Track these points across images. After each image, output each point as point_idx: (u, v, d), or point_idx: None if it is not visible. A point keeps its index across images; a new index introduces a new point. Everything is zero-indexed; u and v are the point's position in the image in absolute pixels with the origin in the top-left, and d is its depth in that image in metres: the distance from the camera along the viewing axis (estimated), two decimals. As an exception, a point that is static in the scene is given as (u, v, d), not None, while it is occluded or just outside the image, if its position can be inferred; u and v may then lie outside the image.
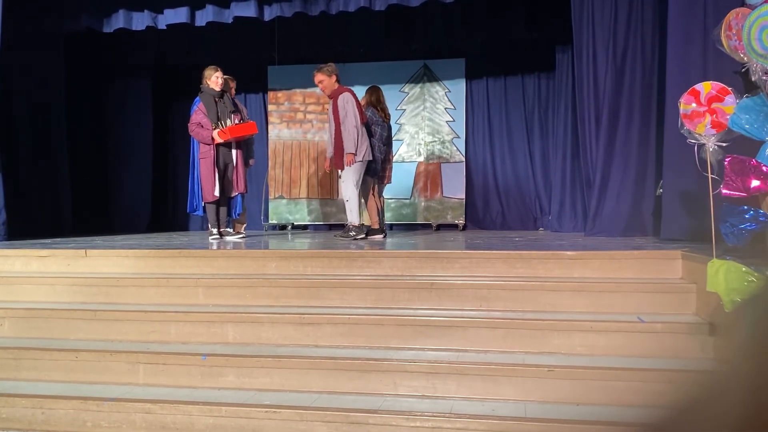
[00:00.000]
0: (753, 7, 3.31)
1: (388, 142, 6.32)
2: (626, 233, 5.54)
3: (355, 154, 5.70)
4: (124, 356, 3.50)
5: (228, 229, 6.23)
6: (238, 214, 6.47)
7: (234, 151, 6.05)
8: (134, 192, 8.76)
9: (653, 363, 3.04)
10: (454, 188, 8.38)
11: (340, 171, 6.00)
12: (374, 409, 2.96)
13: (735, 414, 0.37)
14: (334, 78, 5.86)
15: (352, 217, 5.87)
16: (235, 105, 6.21)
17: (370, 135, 6.02)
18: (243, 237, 6.23)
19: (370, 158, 5.84)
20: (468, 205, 8.41)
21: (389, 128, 6.39)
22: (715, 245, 3.25)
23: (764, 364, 0.38)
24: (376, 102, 6.25)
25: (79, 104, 8.20)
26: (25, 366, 3.58)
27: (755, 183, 3.18)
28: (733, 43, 3.45)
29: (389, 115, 6.39)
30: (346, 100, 5.73)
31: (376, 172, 6.17)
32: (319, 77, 5.89)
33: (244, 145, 6.24)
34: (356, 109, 5.72)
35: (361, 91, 6.39)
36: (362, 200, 6.16)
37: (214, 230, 6.02)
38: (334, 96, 5.83)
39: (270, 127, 8.83)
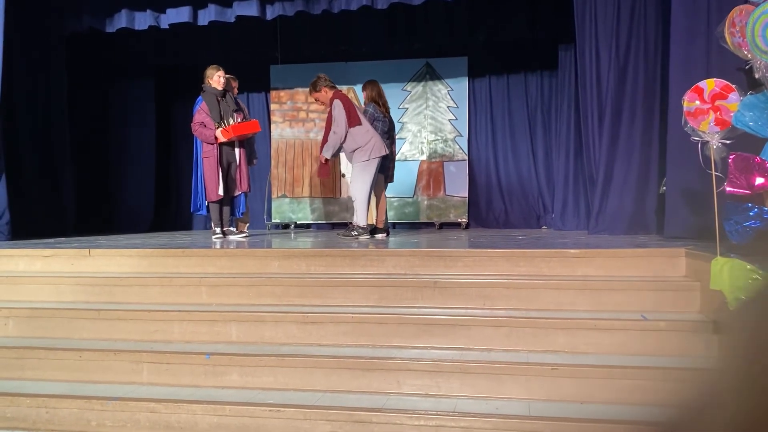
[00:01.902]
0: (756, 4, 3.30)
1: (389, 137, 6.27)
2: (629, 231, 5.53)
3: (328, 159, 5.76)
4: (127, 356, 3.50)
5: (231, 228, 6.24)
6: (242, 213, 6.46)
7: (237, 150, 6.05)
8: (137, 191, 8.77)
9: (657, 361, 3.03)
10: (457, 187, 8.37)
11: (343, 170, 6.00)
12: (378, 408, 2.96)
13: (737, 413, 0.37)
14: (324, 89, 5.86)
15: (358, 217, 5.77)
16: (237, 104, 6.21)
17: None
18: (246, 236, 6.24)
19: (380, 155, 5.72)
20: (471, 203, 8.40)
21: (391, 123, 6.36)
22: (719, 243, 3.25)
23: (766, 362, 0.37)
24: (377, 97, 6.21)
25: (82, 104, 8.21)
26: (30, 365, 3.58)
27: (759, 180, 3.17)
28: (737, 40, 3.44)
29: (389, 108, 6.37)
30: (334, 106, 5.73)
31: (386, 168, 6.14)
32: (313, 96, 6.02)
33: (247, 144, 6.25)
34: (343, 113, 5.65)
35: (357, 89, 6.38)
36: (372, 197, 6.12)
37: (218, 229, 6.03)
38: (329, 105, 5.84)
39: (273, 126, 8.83)
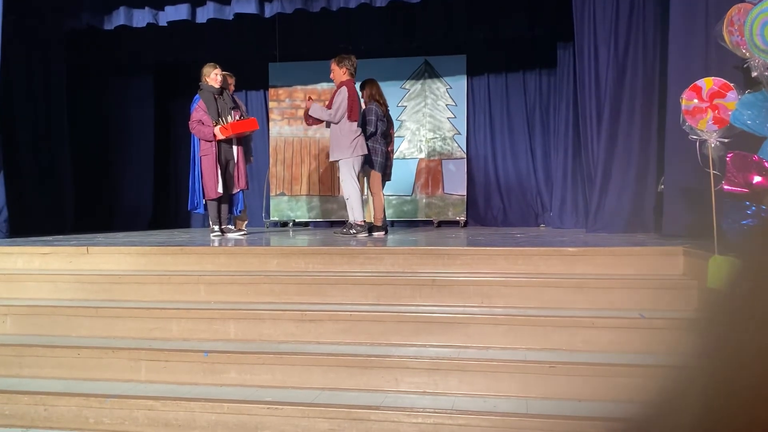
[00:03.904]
0: (755, 3, 3.30)
1: (388, 136, 6.27)
2: (628, 230, 5.53)
3: (311, 115, 5.89)
4: (126, 353, 3.50)
5: (229, 226, 6.24)
6: (240, 211, 6.47)
7: (235, 148, 6.05)
8: (136, 189, 8.76)
9: (654, 359, 3.04)
10: (456, 185, 8.37)
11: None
12: (376, 406, 2.97)
13: (703, 412, 0.37)
14: (343, 69, 5.86)
15: (355, 214, 5.80)
16: (234, 101, 6.21)
17: (371, 130, 6.01)
18: (244, 234, 6.24)
19: (363, 153, 5.79)
20: (469, 201, 8.40)
21: (389, 121, 6.36)
22: (717, 241, 3.25)
23: (727, 361, 0.38)
24: (377, 95, 6.21)
25: (81, 102, 8.20)
26: (27, 363, 3.58)
27: (757, 179, 3.18)
28: (735, 39, 3.44)
29: (388, 107, 6.36)
30: (339, 92, 5.76)
31: (384, 167, 6.14)
32: (332, 66, 5.97)
33: (244, 141, 6.25)
34: (346, 102, 5.67)
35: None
36: (370, 195, 6.15)
37: (216, 227, 6.03)
38: (336, 86, 5.88)
39: (271, 124, 8.83)
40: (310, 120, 6.03)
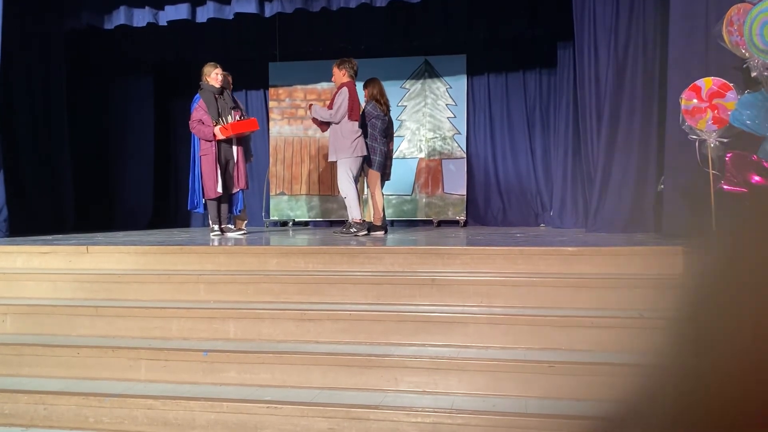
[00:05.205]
0: (754, 3, 3.30)
1: (387, 135, 6.28)
2: (627, 229, 5.53)
3: (314, 115, 5.96)
4: (125, 352, 3.50)
5: (229, 226, 6.24)
6: (240, 211, 6.47)
7: (235, 148, 6.05)
8: (136, 188, 8.76)
9: (651, 359, 3.03)
10: (455, 184, 8.37)
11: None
12: (375, 405, 2.97)
13: (676, 410, 0.37)
14: (343, 72, 5.92)
15: (353, 213, 5.83)
16: (234, 101, 6.21)
17: (369, 129, 6.02)
18: (244, 233, 6.24)
19: (362, 154, 5.82)
20: (469, 201, 8.40)
21: (390, 121, 6.36)
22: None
23: (699, 357, 0.38)
24: (378, 95, 6.21)
25: (81, 101, 8.20)
26: (27, 362, 3.58)
27: (756, 178, 3.18)
28: (735, 39, 3.45)
29: (390, 107, 6.36)
30: (340, 92, 5.80)
31: (383, 166, 6.15)
32: (333, 70, 6.05)
33: (244, 141, 6.25)
34: (347, 102, 5.71)
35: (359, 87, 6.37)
36: (370, 193, 6.17)
37: (216, 227, 6.03)
38: (337, 87, 5.93)
39: (271, 123, 8.82)
40: (317, 122, 6.05)
